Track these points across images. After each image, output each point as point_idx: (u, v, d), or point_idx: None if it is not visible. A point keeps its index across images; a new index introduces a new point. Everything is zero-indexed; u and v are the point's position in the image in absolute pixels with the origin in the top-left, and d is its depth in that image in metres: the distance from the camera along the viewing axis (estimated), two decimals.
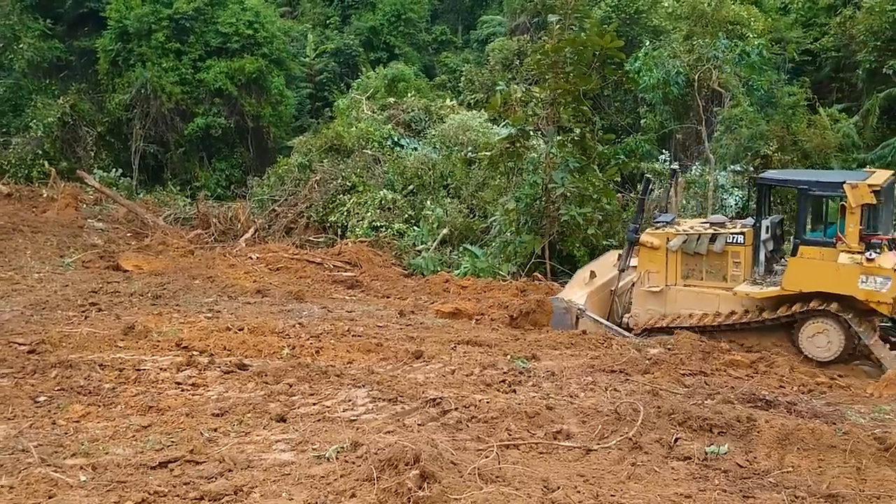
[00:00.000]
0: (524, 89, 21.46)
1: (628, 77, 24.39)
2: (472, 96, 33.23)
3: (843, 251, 12.15)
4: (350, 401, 8.36)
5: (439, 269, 19.92)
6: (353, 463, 6.26)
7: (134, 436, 7.14)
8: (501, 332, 13.06)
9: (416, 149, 26.42)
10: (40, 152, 29.19)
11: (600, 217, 19.51)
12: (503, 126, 22.13)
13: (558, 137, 19.82)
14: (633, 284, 14.40)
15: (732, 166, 23.60)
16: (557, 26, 19.76)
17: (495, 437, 7.18)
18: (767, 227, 13.40)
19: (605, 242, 19.62)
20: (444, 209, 22.27)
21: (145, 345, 10.66)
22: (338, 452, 6.54)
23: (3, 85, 32.09)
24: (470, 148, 24.39)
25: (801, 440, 7.30)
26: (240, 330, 11.50)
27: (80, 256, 19.34)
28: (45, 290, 14.99)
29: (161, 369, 9.47)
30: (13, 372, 9.20)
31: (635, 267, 14.47)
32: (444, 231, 21.56)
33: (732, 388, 9.39)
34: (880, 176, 12.82)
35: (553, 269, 19.25)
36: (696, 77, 23.81)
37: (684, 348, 11.56)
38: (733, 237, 13.26)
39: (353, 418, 7.80)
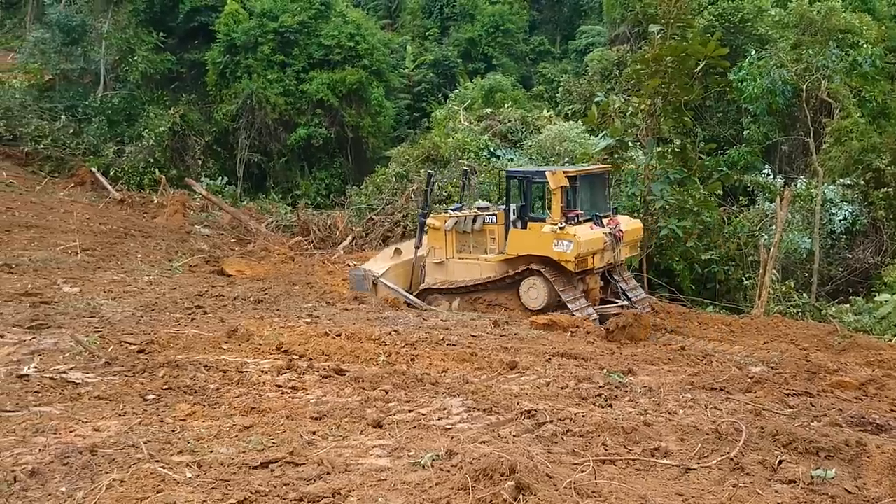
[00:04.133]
0: (623, 100, 21.20)
1: (732, 87, 23.77)
2: (570, 107, 33.03)
3: (548, 224, 15.33)
4: (445, 409, 8.38)
5: None
6: (448, 471, 6.27)
7: (237, 436, 7.33)
8: (597, 345, 12.89)
9: (512, 159, 26.43)
10: (151, 160, 30.49)
11: (700, 230, 19.06)
12: (601, 137, 21.94)
13: (658, 148, 19.50)
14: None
15: (842, 180, 22.66)
16: (659, 36, 19.45)
17: (591, 451, 7.07)
18: (514, 210, 16.31)
19: (704, 256, 19.16)
20: None
21: (247, 348, 10.94)
22: (433, 460, 6.56)
23: (118, 96, 33.60)
24: (567, 159, 24.24)
25: None
26: (337, 336, 11.70)
27: (188, 261, 20.08)
28: (154, 293, 15.62)
29: (262, 372, 9.71)
30: (124, 370, 9.57)
31: None
32: None
33: (840, 410, 8.99)
34: (583, 167, 17.26)
35: (651, 282, 18.91)
36: (804, 87, 23.04)
37: (788, 368, 11.18)
38: (488, 218, 16.61)
39: (447, 427, 7.82)
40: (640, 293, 17.03)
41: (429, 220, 17.27)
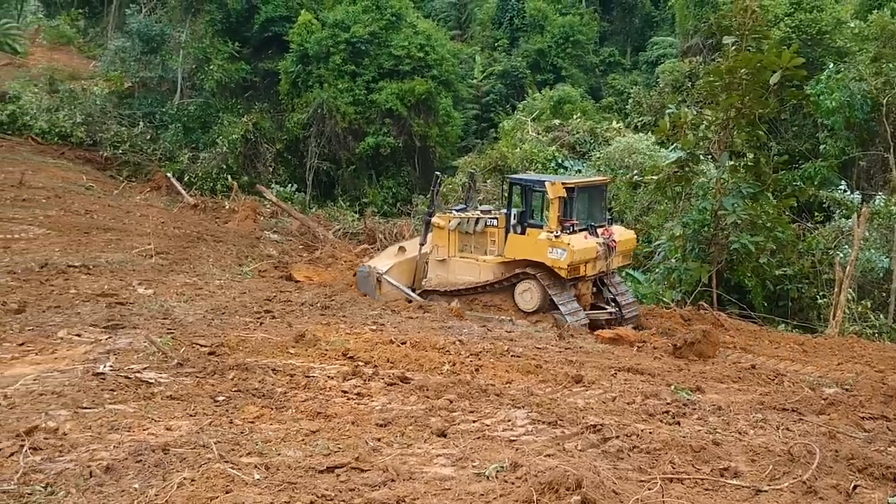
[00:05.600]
0: (695, 112, 20.87)
1: (808, 100, 23.20)
2: (640, 119, 32.67)
3: (545, 231, 16.04)
4: (509, 421, 8.35)
5: None
6: (513, 483, 6.24)
7: (303, 439, 7.43)
8: (664, 361, 12.70)
9: (580, 171, 26.26)
10: (224, 167, 31.15)
11: (773, 246, 18.62)
12: (672, 150, 21.62)
13: (730, 162, 19.14)
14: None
15: None
16: (733, 48, 19.10)
17: (658, 469, 6.96)
18: (515, 215, 16.96)
19: (777, 273, 18.70)
20: None
21: (314, 353, 11.08)
22: (497, 471, 6.54)
23: (194, 103, 34.41)
24: (636, 171, 23.97)
25: None
26: (402, 343, 11.77)
27: (257, 266, 20.41)
28: (224, 296, 15.91)
29: (329, 377, 9.82)
30: (195, 371, 9.79)
31: None
32: None
33: None
34: (580, 178, 18.59)
35: (720, 298, 18.54)
36: (884, 101, 22.35)
37: (864, 390, 10.83)
38: (490, 221, 17.29)
39: (512, 438, 7.79)
40: (631, 300, 17.54)
41: (434, 220, 17.96)
